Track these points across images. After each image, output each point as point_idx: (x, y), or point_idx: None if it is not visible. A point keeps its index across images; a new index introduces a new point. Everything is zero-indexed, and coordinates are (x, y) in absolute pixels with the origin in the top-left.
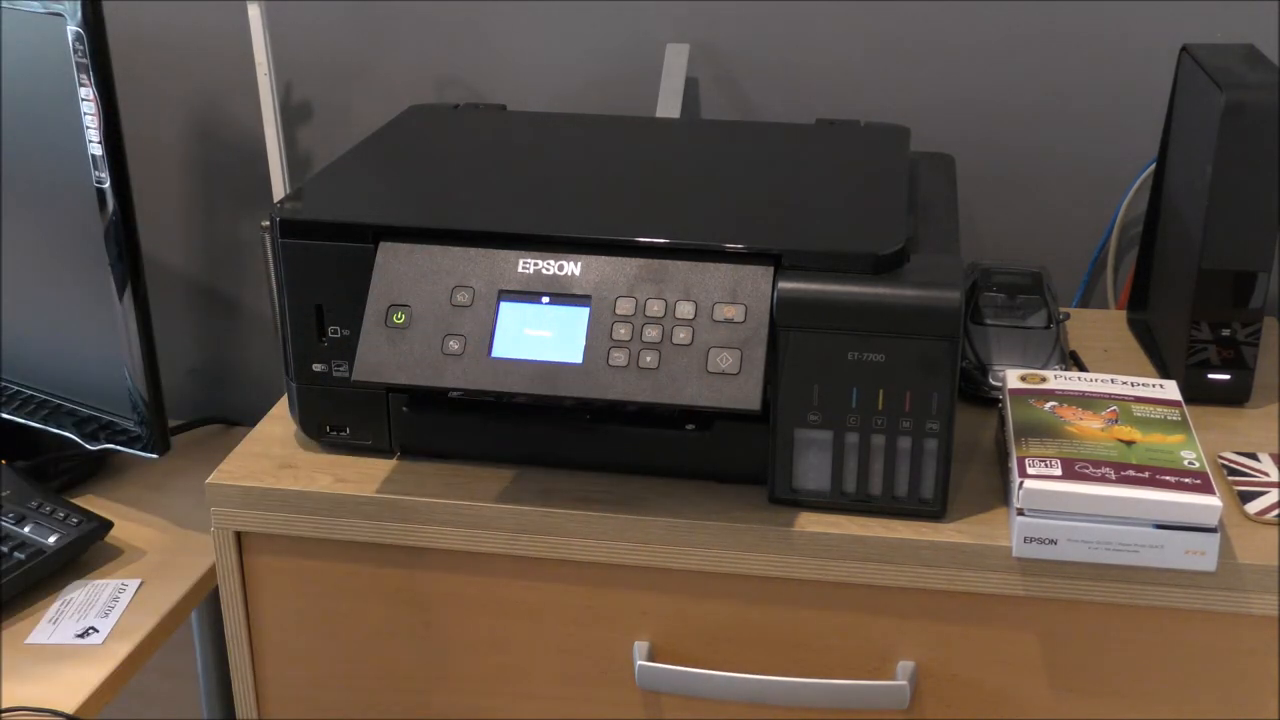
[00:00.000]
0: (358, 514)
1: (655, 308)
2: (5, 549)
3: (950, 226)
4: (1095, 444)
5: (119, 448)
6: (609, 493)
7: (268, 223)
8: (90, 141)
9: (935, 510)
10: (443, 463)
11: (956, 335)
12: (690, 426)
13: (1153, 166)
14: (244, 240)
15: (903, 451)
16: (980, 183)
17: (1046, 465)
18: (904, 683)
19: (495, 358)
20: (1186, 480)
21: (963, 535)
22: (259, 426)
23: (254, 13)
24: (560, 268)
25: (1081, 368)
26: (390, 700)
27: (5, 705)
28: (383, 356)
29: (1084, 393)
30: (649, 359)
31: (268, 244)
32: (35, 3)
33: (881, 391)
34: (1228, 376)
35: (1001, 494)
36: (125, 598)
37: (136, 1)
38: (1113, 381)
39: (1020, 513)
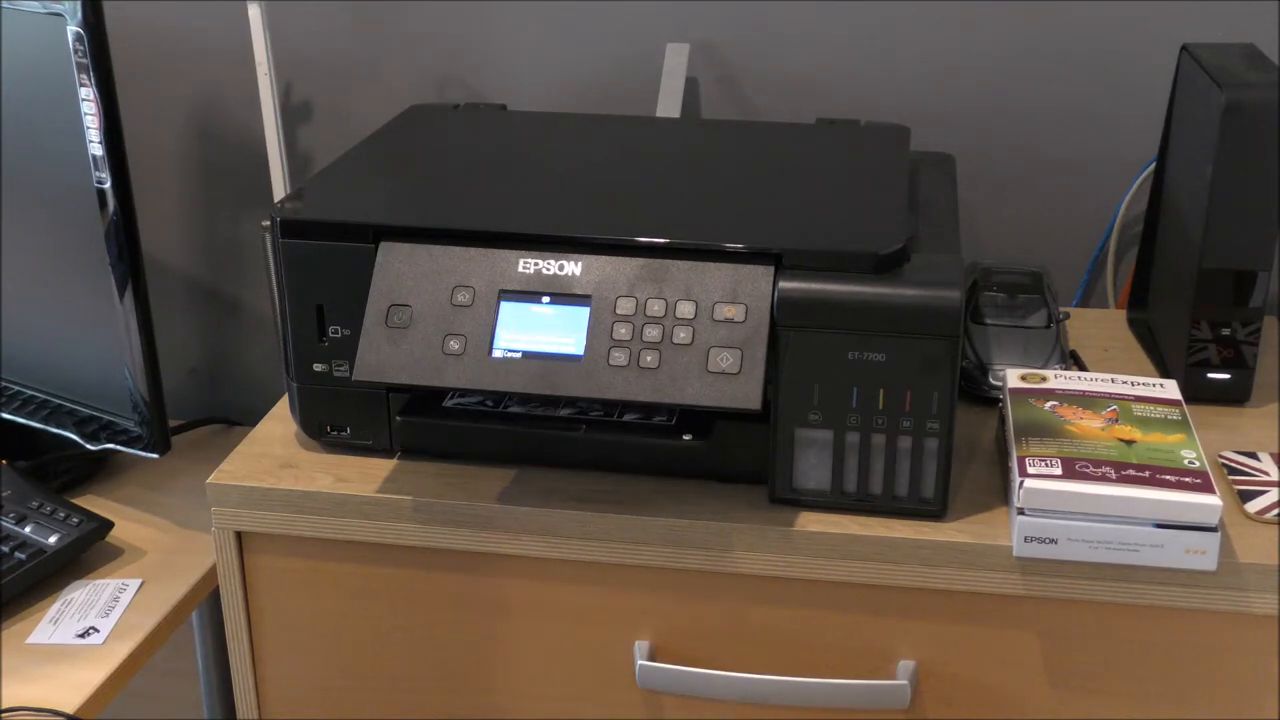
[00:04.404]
0: (358, 514)
1: (655, 307)
2: (6, 549)
3: (950, 226)
4: (1096, 443)
5: (119, 448)
6: (609, 493)
7: (268, 223)
8: (90, 142)
9: (936, 510)
10: (443, 463)
11: (957, 335)
12: (687, 437)
13: (1153, 166)
14: (244, 240)
15: (903, 451)
16: (980, 183)
17: (1047, 465)
18: (904, 682)
19: (496, 357)
20: (1187, 479)
21: (963, 535)
22: (259, 426)
23: (254, 13)
24: (561, 267)
25: (1082, 367)
26: (391, 700)
27: (6, 705)
28: (383, 356)
29: (1084, 392)
30: (649, 359)
31: (268, 244)
32: (35, 3)
33: (882, 391)
34: (1228, 376)
35: (1002, 493)
36: (126, 598)
37: (136, 1)
38: (1113, 381)
39: (1021, 512)
